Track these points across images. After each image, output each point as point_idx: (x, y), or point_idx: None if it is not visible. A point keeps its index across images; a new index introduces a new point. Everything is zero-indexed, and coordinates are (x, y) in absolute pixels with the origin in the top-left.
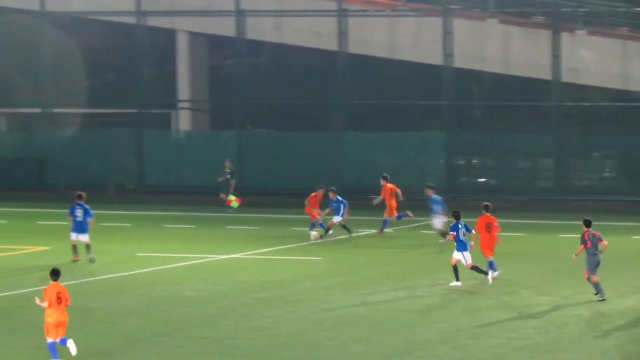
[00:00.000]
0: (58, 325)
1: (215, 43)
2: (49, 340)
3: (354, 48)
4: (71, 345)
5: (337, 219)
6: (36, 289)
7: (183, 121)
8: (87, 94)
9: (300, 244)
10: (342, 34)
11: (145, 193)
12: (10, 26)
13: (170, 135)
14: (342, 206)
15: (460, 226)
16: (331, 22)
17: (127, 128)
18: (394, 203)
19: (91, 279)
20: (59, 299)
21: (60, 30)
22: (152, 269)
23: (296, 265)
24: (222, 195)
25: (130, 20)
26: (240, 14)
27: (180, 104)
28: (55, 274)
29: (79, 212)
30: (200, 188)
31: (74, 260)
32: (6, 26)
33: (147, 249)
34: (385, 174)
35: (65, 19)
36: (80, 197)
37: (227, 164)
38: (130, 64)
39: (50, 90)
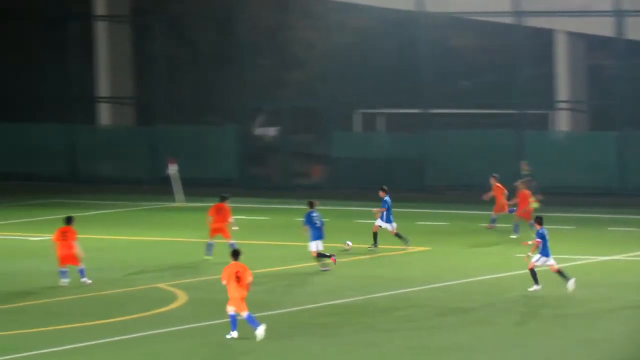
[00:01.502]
0: (238, 300)
1: (593, 43)
2: (230, 313)
3: None
4: (261, 331)
5: (388, 226)
6: (411, 289)
7: (562, 122)
8: (464, 95)
9: None
10: None
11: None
12: (389, 27)
13: (549, 136)
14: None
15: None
16: None
17: (506, 129)
18: (504, 200)
19: (469, 280)
20: (238, 277)
21: (438, 30)
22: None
23: None
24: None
25: (508, 20)
26: (619, 14)
27: (559, 105)
28: (235, 254)
29: (317, 220)
30: (582, 189)
31: (324, 270)
32: (386, 27)
33: (526, 250)
34: (495, 174)
35: (443, 19)
36: (312, 204)
37: (524, 165)
38: (508, 64)
39: (429, 90)
